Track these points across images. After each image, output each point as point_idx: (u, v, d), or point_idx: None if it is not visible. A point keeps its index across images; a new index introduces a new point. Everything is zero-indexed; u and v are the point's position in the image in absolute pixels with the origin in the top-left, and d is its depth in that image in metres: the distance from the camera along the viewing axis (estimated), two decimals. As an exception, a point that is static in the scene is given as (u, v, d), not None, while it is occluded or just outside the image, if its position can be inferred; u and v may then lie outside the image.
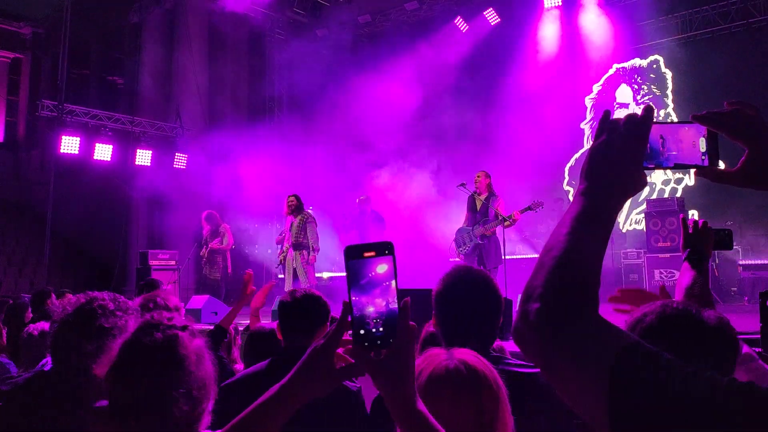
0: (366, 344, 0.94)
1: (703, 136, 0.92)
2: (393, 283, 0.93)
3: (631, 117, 0.89)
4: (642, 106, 0.91)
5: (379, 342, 0.93)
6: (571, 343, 0.72)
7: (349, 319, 0.94)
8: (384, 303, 0.93)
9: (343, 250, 0.94)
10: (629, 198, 0.88)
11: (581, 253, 0.79)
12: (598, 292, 0.78)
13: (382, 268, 0.93)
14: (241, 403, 2.02)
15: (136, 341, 1.24)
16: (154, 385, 1.19)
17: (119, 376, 1.22)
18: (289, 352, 2.19)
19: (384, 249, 0.93)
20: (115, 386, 1.21)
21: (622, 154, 0.87)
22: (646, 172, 0.90)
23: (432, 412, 1.18)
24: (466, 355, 1.25)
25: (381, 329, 0.93)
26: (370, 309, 0.93)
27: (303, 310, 2.23)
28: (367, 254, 0.93)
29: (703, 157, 0.92)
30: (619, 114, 0.93)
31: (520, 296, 0.81)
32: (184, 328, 1.28)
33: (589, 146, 0.93)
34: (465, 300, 1.80)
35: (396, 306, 0.93)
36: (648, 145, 0.90)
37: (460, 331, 1.77)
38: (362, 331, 0.93)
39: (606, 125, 0.90)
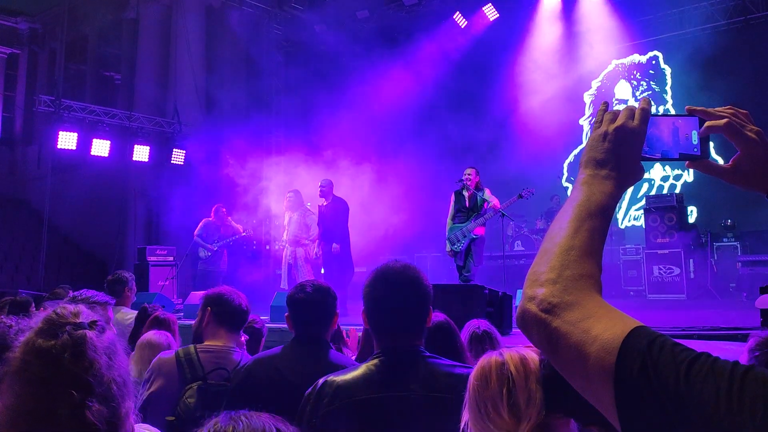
0: None
1: (696, 129, 0.94)
2: None
3: (630, 109, 0.92)
4: (641, 99, 0.94)
5: None
6: (577, 327, 0.73)
7: None
8: None
9: None
10: (628, 187, 0.90)
11: (584, 239, 0.82)
12: (601, 276, 0.80)
13: None
14: (259, 384, 2.05)
15: (37, 345, 1.09)
16: (58, 394, 1.05)
17: (14, 381, 1.07)
18: (304, 338, 2.23)
19: None
20: (11, 391, 1.06)
21: (620, 144, 0.89)
22: (647, 162, 0.92)
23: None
24: (519, 349, 1.29)
25: None
26: None
27: (315, 303, 2.25)
28: None
29: (695, 149, 0.94)
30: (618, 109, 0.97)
31: (520, 291, 0.81)
32: (92, 324, 1.15)
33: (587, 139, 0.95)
34: (391, 298, 1.77)
35: None
36: (654, 136, 0.93)
37: (387, 327, 1.77)
38: None
39: (604, 116, 0.92)
